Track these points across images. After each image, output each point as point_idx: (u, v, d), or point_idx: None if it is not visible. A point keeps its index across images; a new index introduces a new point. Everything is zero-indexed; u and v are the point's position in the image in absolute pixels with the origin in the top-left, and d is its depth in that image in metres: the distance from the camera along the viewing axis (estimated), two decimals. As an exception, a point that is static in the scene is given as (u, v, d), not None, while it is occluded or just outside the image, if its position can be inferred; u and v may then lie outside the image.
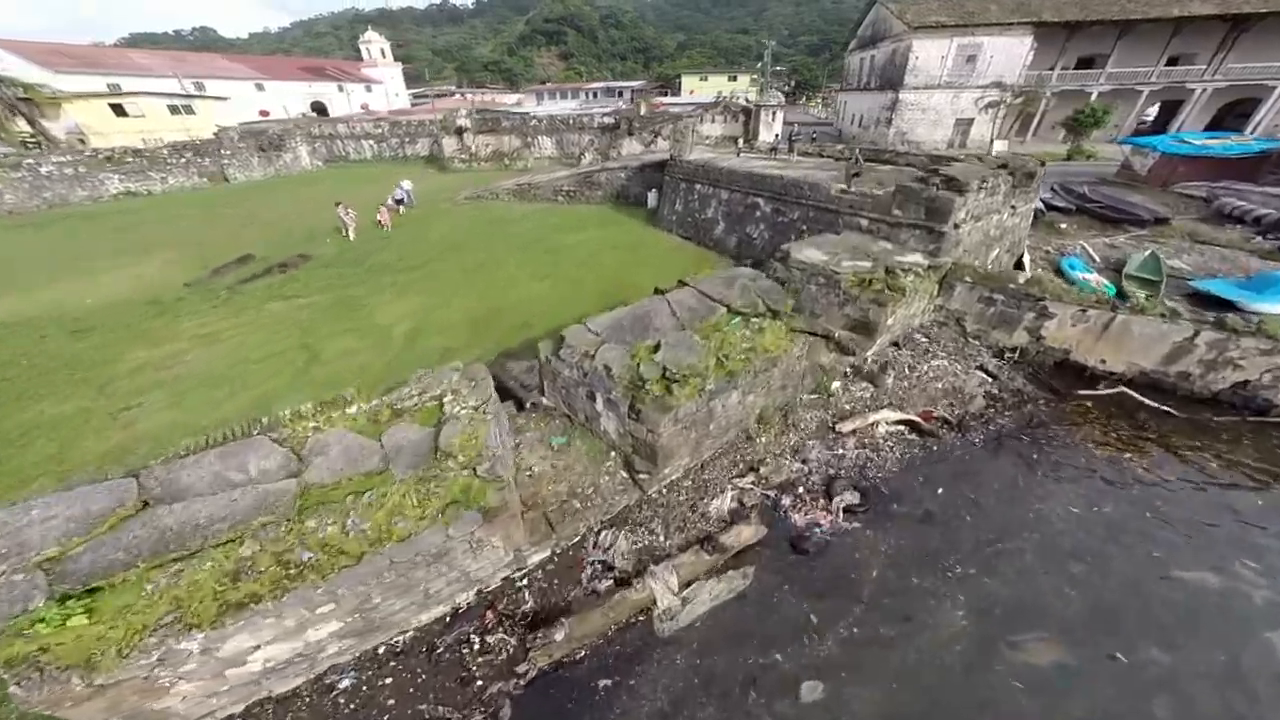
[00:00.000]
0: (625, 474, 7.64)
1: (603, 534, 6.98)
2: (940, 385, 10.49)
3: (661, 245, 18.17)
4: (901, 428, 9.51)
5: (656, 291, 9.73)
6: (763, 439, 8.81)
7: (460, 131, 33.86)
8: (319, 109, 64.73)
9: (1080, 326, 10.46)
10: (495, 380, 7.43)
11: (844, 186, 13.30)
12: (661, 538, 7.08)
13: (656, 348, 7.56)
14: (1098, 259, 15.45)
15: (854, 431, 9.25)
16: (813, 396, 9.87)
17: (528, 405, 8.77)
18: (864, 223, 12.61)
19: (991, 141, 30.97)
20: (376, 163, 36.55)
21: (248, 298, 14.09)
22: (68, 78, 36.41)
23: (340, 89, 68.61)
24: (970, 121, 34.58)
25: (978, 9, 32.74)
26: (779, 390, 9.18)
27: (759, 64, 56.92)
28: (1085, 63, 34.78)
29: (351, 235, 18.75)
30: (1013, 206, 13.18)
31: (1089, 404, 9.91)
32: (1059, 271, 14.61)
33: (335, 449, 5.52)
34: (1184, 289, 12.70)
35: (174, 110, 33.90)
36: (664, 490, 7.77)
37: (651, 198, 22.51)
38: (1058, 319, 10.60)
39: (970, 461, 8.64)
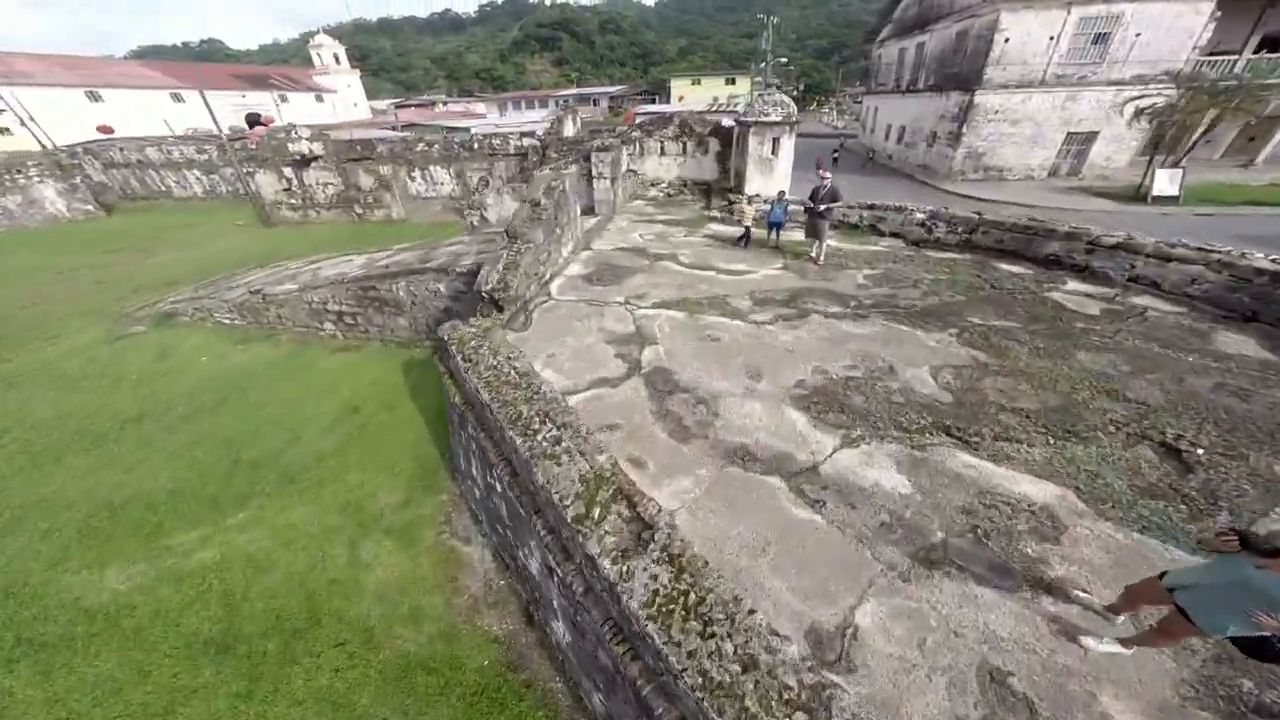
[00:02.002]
0: None
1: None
2: None
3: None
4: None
5: None
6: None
7: (304, 162, 20.87)
8: (254, 123, 52.38)
9: None
10: None
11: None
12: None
13: None
14: None
15: None
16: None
17: None
18: None
19: (1149, 168, 17.05)
20: (205, 201, 23.71)
21: None
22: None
23: (283, 99, 56.14)
24: (1090, 136, 20.59)
25: (1116, -46, 18.69)
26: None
27: (762, 64, 42.74)
28: (1270, 44, 20.61)
29: None
30: None
31: None
32: None
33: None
34: None
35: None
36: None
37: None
38: None
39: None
